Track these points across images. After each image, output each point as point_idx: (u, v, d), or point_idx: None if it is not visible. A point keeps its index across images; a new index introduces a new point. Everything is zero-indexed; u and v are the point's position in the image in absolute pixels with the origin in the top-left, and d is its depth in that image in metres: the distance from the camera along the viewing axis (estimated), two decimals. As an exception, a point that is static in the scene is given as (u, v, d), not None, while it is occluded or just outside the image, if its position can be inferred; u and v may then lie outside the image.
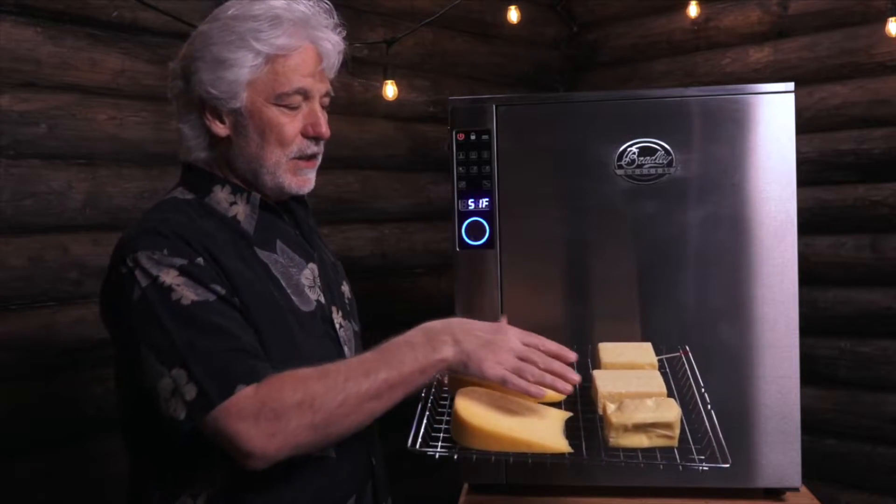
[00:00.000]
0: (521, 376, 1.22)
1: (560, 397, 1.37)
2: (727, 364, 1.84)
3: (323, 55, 1.34)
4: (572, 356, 1.28)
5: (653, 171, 1.86)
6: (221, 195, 1.34)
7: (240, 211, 1.34)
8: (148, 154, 2.20)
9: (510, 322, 1.33)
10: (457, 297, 1.93)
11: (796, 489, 1.86)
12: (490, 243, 1.91)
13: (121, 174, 2.15)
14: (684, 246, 1.88)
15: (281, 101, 1.30)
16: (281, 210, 1.40)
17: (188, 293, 1.18)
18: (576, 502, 1.85)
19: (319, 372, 1.18)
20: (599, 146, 1.88)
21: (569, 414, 1.37)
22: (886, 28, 2.57)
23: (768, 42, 2.97)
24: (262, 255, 1.32)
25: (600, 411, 1.35)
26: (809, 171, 2.78)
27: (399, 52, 2.69)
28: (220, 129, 1.32)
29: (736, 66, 3.04)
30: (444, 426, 1.34)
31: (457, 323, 1.26)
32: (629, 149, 1.87)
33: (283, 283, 1.32)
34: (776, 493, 1.86)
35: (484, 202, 1.91)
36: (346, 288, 1.53)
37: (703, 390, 1.40)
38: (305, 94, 1.32)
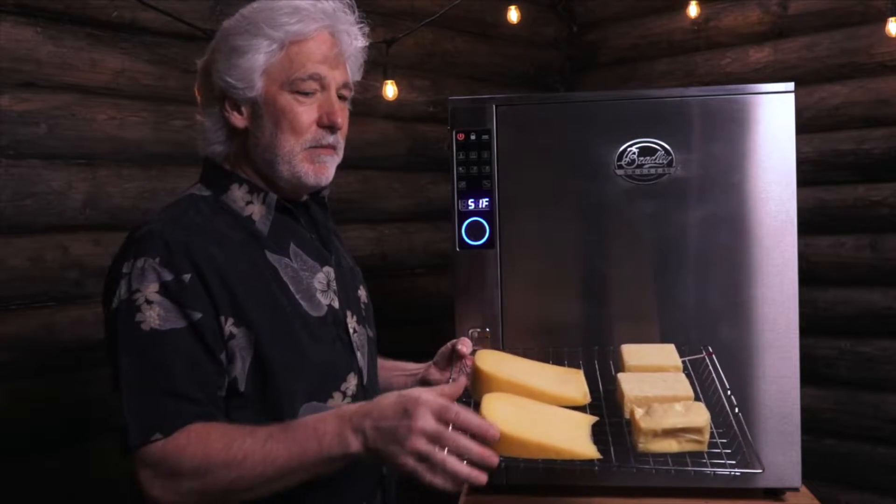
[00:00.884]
0: (431, 467, 1.11)
1: (585, 400, 1.36)
2: (727, 364, 1.83)
3: (339, 44, 1.33)
4: (493, 433, 1.14)
5: (653, 171, 1.86)
6: (238, 193, 1.34)
7: (255, 211, 1.34)
8: (148, 154, 2.20)
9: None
10: (457, 297, 1.93)
11: (796, 489, 1.86)
12: (490, 243, 1.91)
13: (121, 174, 2.15)
14: (684, 246, 1.88)
15: (295, 87, 1.30)
16: (299, 212, 1.39)
17: (153, 317, 1.19)
18: (576, 502, 1.85)
19: (225, 440, 1.15)
20: (599, 146, 1.88)
21: (595, 418, 1.33)
22: (886, 28, 2.57)
23: (768, 42, 2.97)
24: (273, 258, 1.32)
25: (627, 415, 1.32)
26: (809, 171, 2.78)
27: (399, 52, 2.69)
28: (238, 121, 1.32)
29: (736, 66, 3.04)
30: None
31: (375, 411, 1.14)
32: (629, 149, 1.87)
33: (292, 288, 1.32)
34: (776, 492, 1.86)
35: (484, 202, 1.91)
36: (362, 293, 1.52)
37: (728, 393, 1.38)
38: (321, 81, 1.32)
